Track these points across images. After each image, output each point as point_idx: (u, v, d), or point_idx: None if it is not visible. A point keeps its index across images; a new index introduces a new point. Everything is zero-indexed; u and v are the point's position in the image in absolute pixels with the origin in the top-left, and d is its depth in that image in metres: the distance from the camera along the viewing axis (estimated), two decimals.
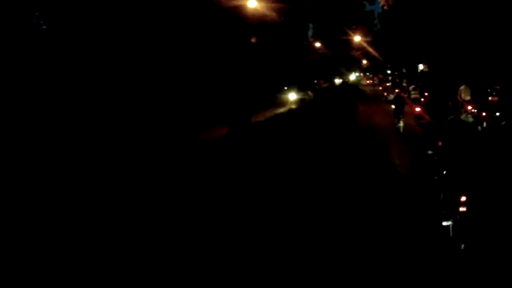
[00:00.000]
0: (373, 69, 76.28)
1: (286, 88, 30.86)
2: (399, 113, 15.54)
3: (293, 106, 27.82)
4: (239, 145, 12.97)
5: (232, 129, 15.47)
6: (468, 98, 14.53)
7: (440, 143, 6.23)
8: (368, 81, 75.49)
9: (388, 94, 29.74)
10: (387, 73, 61.21)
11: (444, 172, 5.53)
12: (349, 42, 48.21)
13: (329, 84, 56.20)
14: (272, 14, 19.30)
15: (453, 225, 5.35)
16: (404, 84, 32.49)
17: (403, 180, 8.93)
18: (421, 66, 37.87)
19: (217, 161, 10.83)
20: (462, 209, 5.12)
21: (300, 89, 31.39)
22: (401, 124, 15.42)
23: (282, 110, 25.00)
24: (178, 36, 20.05)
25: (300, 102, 29.65)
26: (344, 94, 38.12)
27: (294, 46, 37.65)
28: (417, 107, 17.38)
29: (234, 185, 8.69)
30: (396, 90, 20.22)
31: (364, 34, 47.79)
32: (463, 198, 5.12)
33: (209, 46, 18.96)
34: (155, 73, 19.82)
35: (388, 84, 40.56)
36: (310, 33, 51.65)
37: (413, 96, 20.04)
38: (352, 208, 7.06)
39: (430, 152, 10.13)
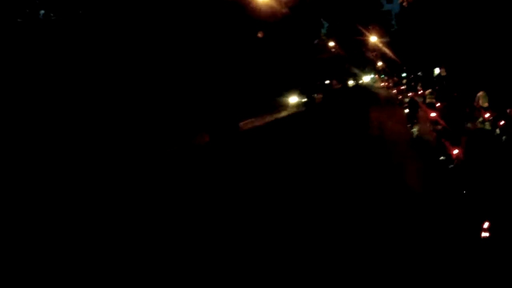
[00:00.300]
0: (389, 71, 75.08)
1: (292, 90, 29.91)
2: (412, 118, 14.90)
3: (299, 109, 26.99)
4: (215, 158, 11.97)
5: (213, 138, 13.65)
6: (486, 105, 13.87)
7: (453, 151, 5.55)
8: (382, 84, 74.36)
9: (403, 98, 29.02)
10: (402, 76, 60.08)
11: (465, 191, 4.84)
12: (364, 43, 47.31)
13: (341, 85, 55.44)
14: (280, 9, 18.38)
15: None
16: (418, 88, 31.60)
17: (415, 197, 8.11)
18: (437, 70, 36.86)
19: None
20: (484, 234, 4.47)
21: (309, 90, 30.56)
22: (415, 129, 14.73)
23: (284, 114, 24.19)
24: (173, 32, 19.30)
25: (308, 104, 28.83)
26: (356, 97, 37.30)
27: (304, 45, 36.55)
28: (432, 112, 16.66)
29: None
30: (409, 94, 19.42)
31: (380, 35, 46.84)
32: (486, 224, 4.44)
33: (201, 42, 17.97)
34: (151, 72, 19.23)
35: (403, 87, 39.75)
36: (324, 31, 50.90)
37: (428, 100, 19.23)
38: (355, 229, 6.43)
39: (443, 158, 9.51)
